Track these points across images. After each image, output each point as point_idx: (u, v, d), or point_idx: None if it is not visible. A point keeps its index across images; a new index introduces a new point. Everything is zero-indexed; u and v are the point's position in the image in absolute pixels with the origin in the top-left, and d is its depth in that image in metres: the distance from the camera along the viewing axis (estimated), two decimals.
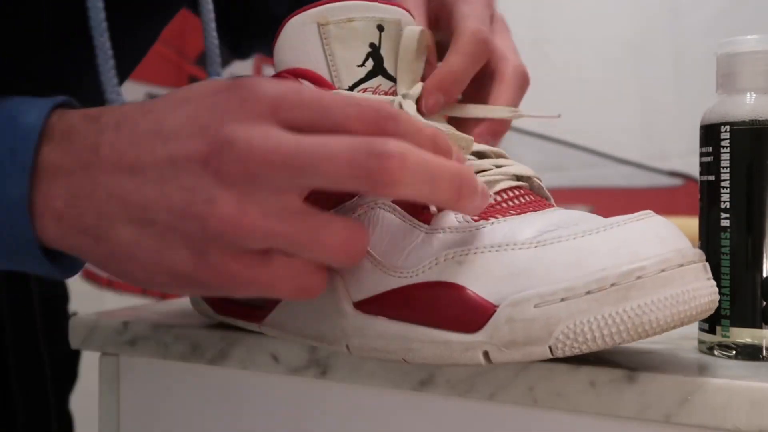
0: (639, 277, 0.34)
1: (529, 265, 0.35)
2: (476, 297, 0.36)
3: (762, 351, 0.40)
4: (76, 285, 0.76)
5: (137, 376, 0.53)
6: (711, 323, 0.41)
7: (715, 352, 0.41)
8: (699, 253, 0.36)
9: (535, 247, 0.36)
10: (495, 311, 0.35)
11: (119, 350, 0.52)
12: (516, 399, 0.40)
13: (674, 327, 0.35)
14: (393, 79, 0.45)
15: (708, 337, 0.41)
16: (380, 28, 0.44)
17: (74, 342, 0.54)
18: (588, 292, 0.34)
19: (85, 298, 0.84)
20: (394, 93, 0.45)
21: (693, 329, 0.42)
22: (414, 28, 0.45)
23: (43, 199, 0.36)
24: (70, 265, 0.39)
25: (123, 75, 0.63)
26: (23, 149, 0.36)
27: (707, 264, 0.37)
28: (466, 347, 0.36)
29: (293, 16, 0.44)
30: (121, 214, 0.35)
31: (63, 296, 0.75)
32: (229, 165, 0.33)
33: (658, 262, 0.34)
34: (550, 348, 0.34)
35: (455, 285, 0.37)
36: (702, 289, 0.35)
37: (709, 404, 0.36)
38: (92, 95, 0.45)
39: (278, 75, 0.44)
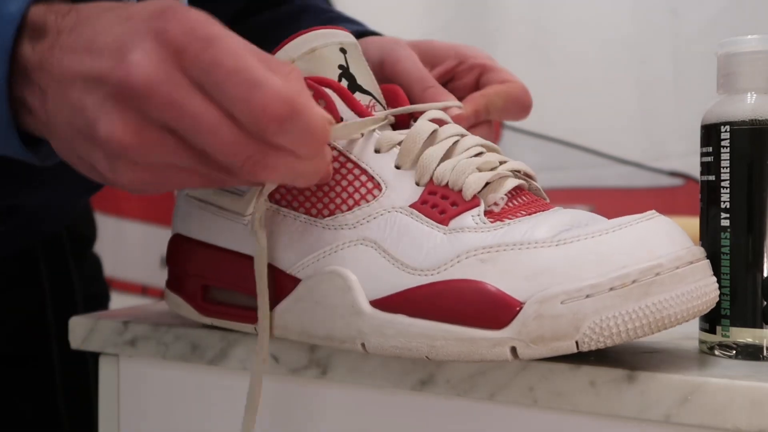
0: (658, 274, 0.36)
1: (551, 263, 0.36)
2: (501, 294, 0.37)
3: (762, 351, 0.40)
4: None
5: (137, 376, 0.53)
6: (711, 323, 0.41)
7: (716, 352, 0.41)
8: (703, 251, 0.39)
9: (556, 245, 0.37)
10: (521, 308, 0.36)
11: (119, 350, 0.52)
12: (516, 399, 0.40)
13: (686, 321, 0.37)
14: (369, 93, 0.46)
15: (708, 337, 0.41)
16: (343, 51, 0.46)
17: (74, 342, 0.54)
18: (611, 289, 0.35)
19: None
20: (375, 106, 0.46)
21: (694, 329, 0.42)
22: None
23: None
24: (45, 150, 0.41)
25: None
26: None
27: (709, 261, 0.39)
28: (494, 344, 0.37)
29: None
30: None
31: (105, 295, 0.77)
32: (122, 88, 0.35)
33: (673, 260, 0.36)
34: (576, 343, 0.36)
35: (480, 282, 0.37)
36: (709, 285, 0.38)
37: (709, 404, 0.36)
38: None
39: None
